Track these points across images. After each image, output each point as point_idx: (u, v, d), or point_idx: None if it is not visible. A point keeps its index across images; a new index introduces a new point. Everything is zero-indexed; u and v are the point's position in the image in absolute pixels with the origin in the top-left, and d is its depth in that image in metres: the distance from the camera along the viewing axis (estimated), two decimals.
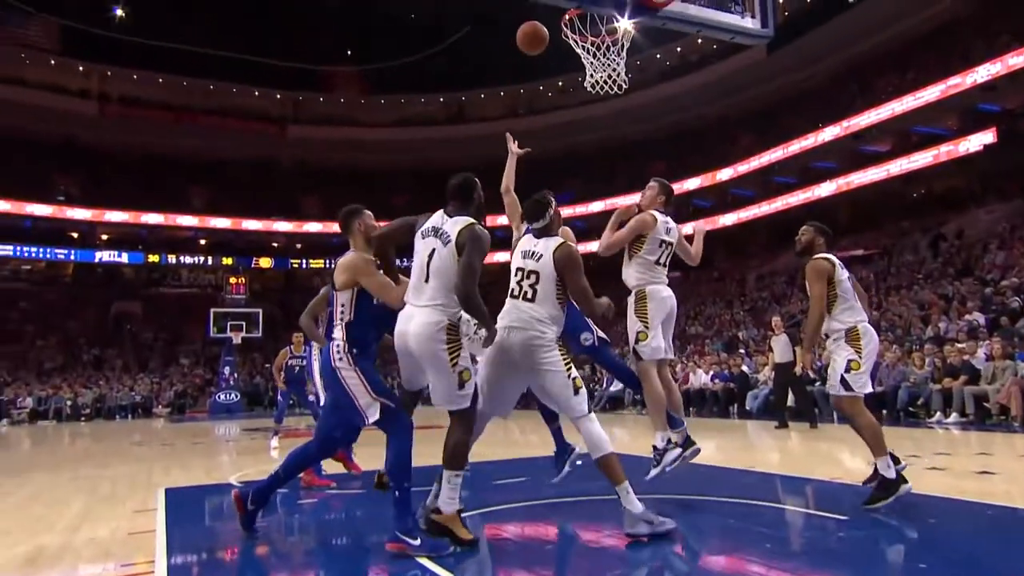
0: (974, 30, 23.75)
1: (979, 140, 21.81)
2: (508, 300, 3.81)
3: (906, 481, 4.12)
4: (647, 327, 4.41)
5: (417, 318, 3.42)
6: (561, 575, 3.54)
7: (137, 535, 4.24)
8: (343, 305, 3.67)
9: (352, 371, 3.59)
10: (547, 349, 3.60)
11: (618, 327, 5.50)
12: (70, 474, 7.83)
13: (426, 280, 3.46)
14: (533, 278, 3.73)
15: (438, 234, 3.51)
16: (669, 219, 4.69)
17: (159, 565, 3.49)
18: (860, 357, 4.34)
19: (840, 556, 3.46)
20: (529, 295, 3.71)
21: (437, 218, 3.58)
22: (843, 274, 4.59)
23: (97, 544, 4.06)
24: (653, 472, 4.44)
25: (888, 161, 24.87)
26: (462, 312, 3.46)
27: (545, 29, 4.70)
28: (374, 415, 3.57)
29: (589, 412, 3.64)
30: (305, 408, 10.78)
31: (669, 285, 4.68)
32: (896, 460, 4.29)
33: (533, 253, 3.81)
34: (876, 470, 4.33)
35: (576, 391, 3.57)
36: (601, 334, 4.67)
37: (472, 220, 3.54)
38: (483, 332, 3.52)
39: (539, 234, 3.89)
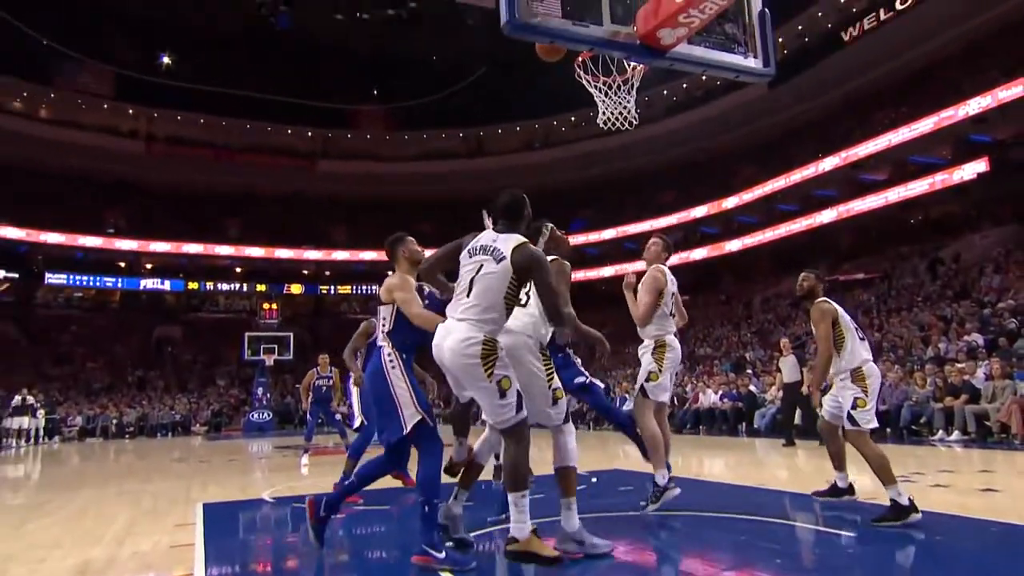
0: (964, 66, 23.72)
1: (972, 169, 21.70)
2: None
3: (918, 511, 4.08)
4: (660, 370, 4.62)
5: (453, 333, 3.26)
6: None
7: (177, 548, 4.25)
8: (384, 318, 3.79)
9: (402, 376, 3.58)
10: (532, 353, 3.63)
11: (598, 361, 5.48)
12: (116, 489, 7.88)
13: (468, 294, 3.28)
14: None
15: (489, 251, 3.32)
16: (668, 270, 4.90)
17: None
18: (866, 395, 4.51)
19: (849, 573, 3.39)
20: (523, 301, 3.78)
21: (487, 236, 3.42)
22: (846, 317, 4.75)
23: (140, 557, 4.07)
24: (651, 507, 4.46)
25: (886, 189, 24.76)
26: (499, 330, 3.32)
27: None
28: (412, 422, 3.51)
29: (567, 422, 3.61)
30: (332, 427, 10.79)
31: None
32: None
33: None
34: (835, 484, 4.89)
35: (555, 401, 3.50)
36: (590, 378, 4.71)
37: (524, 239, 3.37)
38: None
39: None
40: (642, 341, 4.85)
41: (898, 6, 25.30)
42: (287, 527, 5.39)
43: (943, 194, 23.17)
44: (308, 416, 10.50)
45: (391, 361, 3.63)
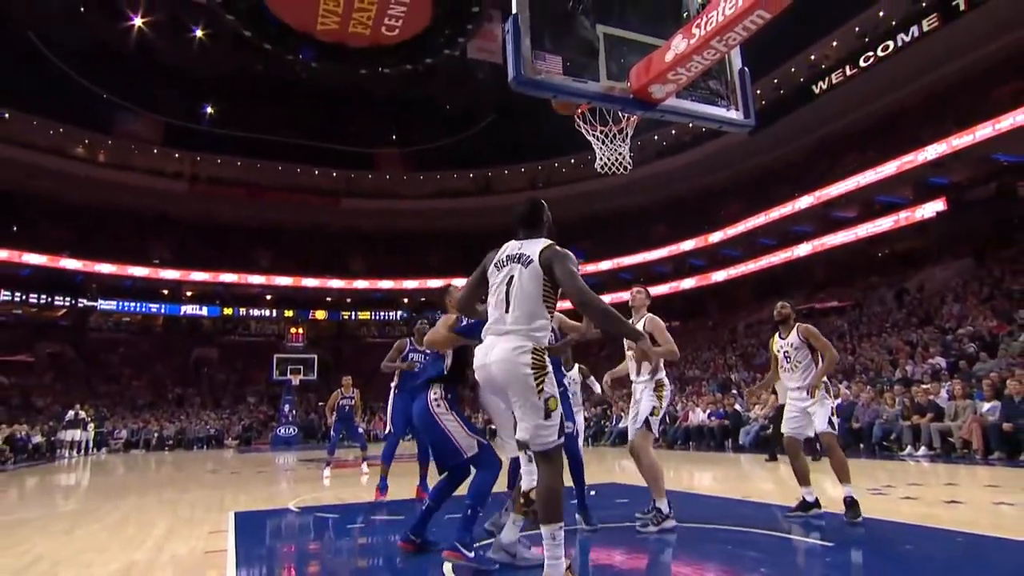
0: (923, 116, 23.96)
1: (932, 208, 21.85)
2: None
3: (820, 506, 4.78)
4: (660, 407, 4.68)
5: (499, 345, 2.84)
6: None
7: (211, 554, 4.21)
8: (444, 358, 3.78)
9: (448, 412, 3.64)
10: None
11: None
12: (156, 498, 7.83)
13: (507, 310, 2.87)
14: None
15: (517, 259, 2.94)
16: None
17: None
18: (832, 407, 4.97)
19: None
20: None
21: (511, 247, 3.04)
22: None
23: (178, 562, 4.04)
24: (652, 529, 4.38)
25: (856, 225, 24.87)
26: (547, 338, 2.92)
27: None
28: (472, 451, 3.57)
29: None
30: (354, 441, 10.72)
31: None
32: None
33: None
34: (803, 499, 4.88)
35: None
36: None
37: (550, 241, 3.03)
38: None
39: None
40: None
41: (862, 64, 25.64)
42: (311, 534, 5.34)
43: (906, 230, 23.24)
44: (332, 432, 10.47)
45: (435, 402, 3.67)
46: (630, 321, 4.44)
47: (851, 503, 4.53)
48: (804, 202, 26.68)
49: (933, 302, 18.68)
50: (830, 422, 4.84)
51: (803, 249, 26.79)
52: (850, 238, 24.89)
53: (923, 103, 24.65)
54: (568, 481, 3.45)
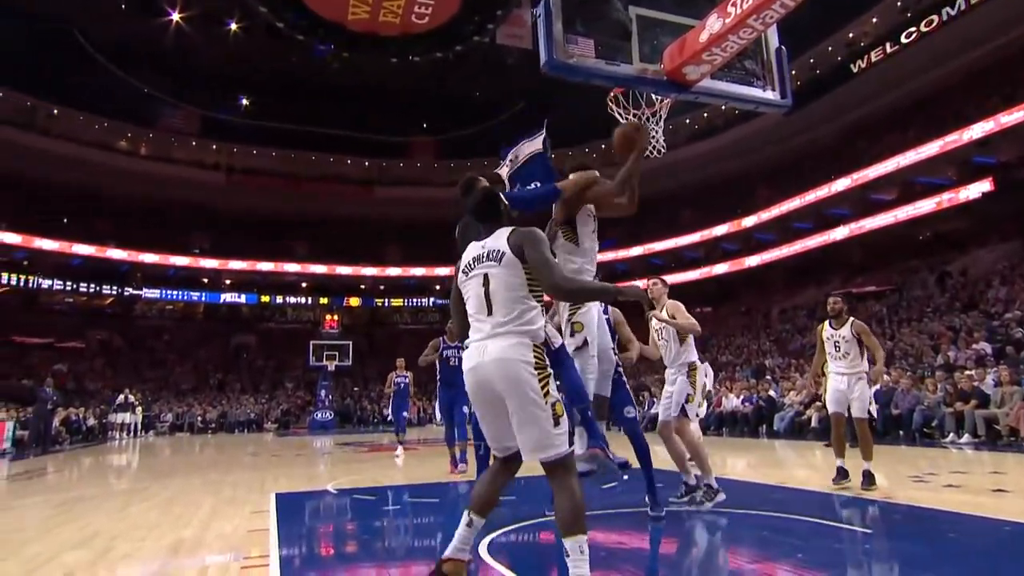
0: (967, 93, 22.96)
1: (978, 188, 20.99)
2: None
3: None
4: (694, 392, 4.78)
5: (491, 346, 2.51)
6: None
7: (254, 532, 4.33)
8: None
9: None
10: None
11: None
12: (201, 479, 8.09)
13: (489, 312, 2.56)
14: None
15: (486, 257, 2.64)
16: None
17: (272, 558, 3.56)
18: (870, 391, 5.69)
19: (867, 568, 3.27)
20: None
21: (474, 249, 2.73)
22: None
23: (223, 539, 4.17)
24: (708, 505, 4.51)
25: (895, 207, 24.08)
26: (542, 333, 2.60)
27: (632, 130, 3.95)
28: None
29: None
30: (396, 423, 10.89)
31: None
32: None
33: None
34: (840, 467, 5.47)
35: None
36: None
37: (512, 226, 2.72)
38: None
39: None
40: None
41: (903, 40, 24.64)
42: (349, 515, 5.45)
43: (949, 212, 22.41)
44: (392, 414, 10.80)
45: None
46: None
47: (868, 475, 5.24)
48: (841, 184, 25.93)
49: (978, 286, 18.03)
50: (868, 411, 5.58)
51: (840, 232, 26.08)
52: (889, 221, 24.12)
53: (968, 79, 23.60)
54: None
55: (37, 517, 5.30)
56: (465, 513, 2.57)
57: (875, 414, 5.94)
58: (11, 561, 3.67)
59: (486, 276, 2.59)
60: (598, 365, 3.66)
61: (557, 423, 2.43)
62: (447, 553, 2.50)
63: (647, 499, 4.36)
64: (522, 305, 2.53)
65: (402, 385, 10.22)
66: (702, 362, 5.98)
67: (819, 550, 3.54)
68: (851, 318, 5.64)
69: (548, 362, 2.51)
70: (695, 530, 4.11)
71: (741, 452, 9.76)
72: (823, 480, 6.24)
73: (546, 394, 2.43)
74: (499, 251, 2.59)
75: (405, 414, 10.81)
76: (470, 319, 2.65)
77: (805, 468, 7.64)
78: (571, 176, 3.86)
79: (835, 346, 5.59)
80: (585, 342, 3.59)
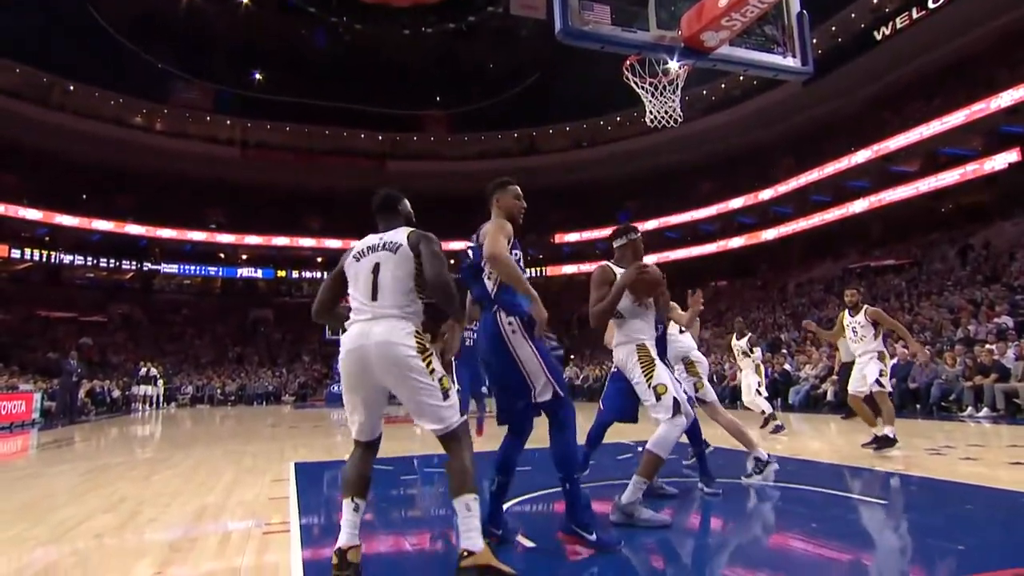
0: (997, 59, 22.23)
1: (1004, 159, 20.46)
2: None
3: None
4: (702, 379, 4.95)
5: (376, 328, 2.59)
6: (633, 549, 3.47)
7: (275, 500, 4.44)
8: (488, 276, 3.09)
9: (526, 342, 2.93)
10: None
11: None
12: (222, 449, 8.27)
13: (374, 297, 2.66)
14: None
15: (382, 247, 2.74)
16: None
17: (293, 525, 3.64)
18: (887, 368, 6.21)
19: (882, 538, 3.28)
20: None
21: (371, 238, 2.83)
22: None
23: (245, 506, 4.28)
24: (757, 478, 4.53)
25: (917, 180, 23.60)
26: (419, 324, 2.70)
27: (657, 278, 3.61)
28: (544, 396, 2.91)
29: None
30: None
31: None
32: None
33: None
34: (876, 436, 5.95)
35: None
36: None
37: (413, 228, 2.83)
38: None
39: None
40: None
41: (931, 4, 23.86)
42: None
43: (974, 184, 21.94)
44: None
45: (511, 326, 2.93)
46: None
47: (886, 438, 5.80)
48: (861, 156, 25.43)
49: (1001, 259, 17.70)
50: (878, 381, 6.05)
51: (859, 205, 25.64)
52: (910, 193, 23.66)
53: (998, 44, 22.83)
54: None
55: (66, 484, 5.47)
56: (348, 500, 2.61)
57: (888, 386, 6.19)
58: (42, 526, 3.79)
59: (377, 264, 2.69)
60: None
61: (446, 396, 2.57)
62: (344, 543, 2.54)
63: (700, 477, 4.28)
64: (407, 296, 2.65)
65: None
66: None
67: (832, 520, 3.56)
68: (865, 305, 6.35)
69: (428, 343, 2.62)
70: (707, 503, 4.13)
71: (754, 425, 9.77)
72: (837, 453, 6.25)
73: (431, 371, 2.56)
74: (396, 243, 2.70)
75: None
76: (352, 301, 2.75)
77: (819, 440, 7.64)
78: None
79: (853, 331, 6.35)
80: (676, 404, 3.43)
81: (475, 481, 2.53)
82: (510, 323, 2.94)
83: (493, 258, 2.87)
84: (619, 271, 3.56)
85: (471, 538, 2.42)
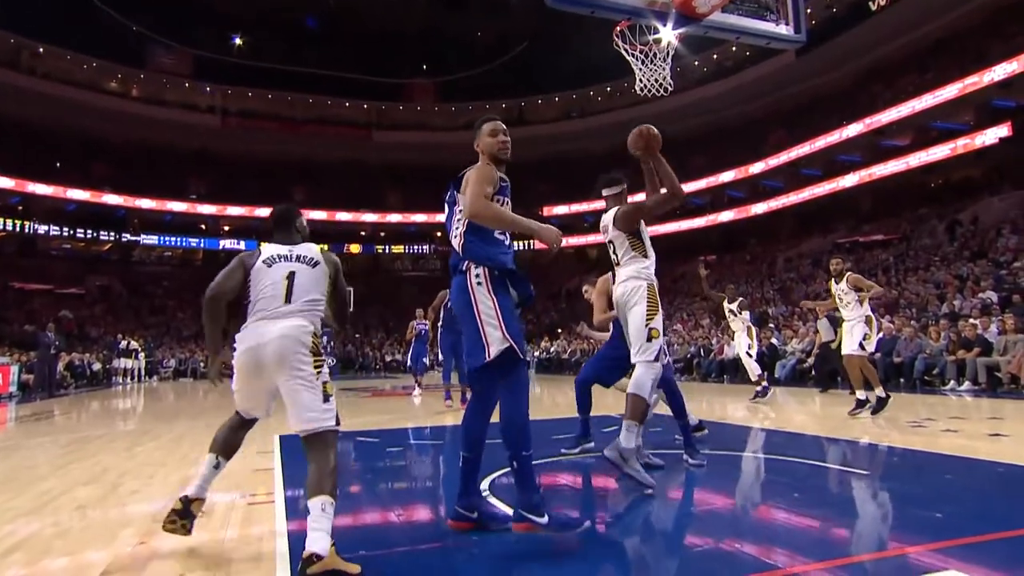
0: (990, 32, 22.20)
1: (995, 133, 20.55)
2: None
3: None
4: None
5: (279, 325, 2.75)
6: (619, 516, 3.54)
7: (259, 472, 4.46)
8: (457, 222, 3.04)
9: (489, 295, 2.78)
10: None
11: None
12: (205, 422, 8.26)
13: (287, 300, 2.80)
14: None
15: (296, 259, 2.90)
16: None
17: (277, 496, 3.67)
18: (872, 332, 6.83)
19: (862, 506, 3.37)
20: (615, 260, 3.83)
21: (279, 248, 2.97)
22: None
23: (229, 477, 4.28)
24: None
25: (908, 154, 23.69)
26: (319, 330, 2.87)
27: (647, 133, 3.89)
28: (496, 349, 2.71)
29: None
30: (414, 367, 11.25)
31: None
32: None
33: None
34: (858, 400, 6.71)
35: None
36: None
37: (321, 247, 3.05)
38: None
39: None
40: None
41: None
42: (351, 457, 5.59)
43: (964, 158, 22.06)
44: (411, 360, 11.40)
45: (477, 278, 2.79)
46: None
47: (880, 400, 6.45)
48: (853, 130, 25.43)
49: (988, 235, 17.92)
50: (861, 344, 6.69)
51: (849, 180, 25.75)
52: (901, 168, 23.77)
53: (991, 19, 22.81)
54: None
55: (47, 456, 5.45)
56: (212, 456, 2.91)
57: (868, 350, 6.92)
58: (25, 496, 3.79)
59: (293, 272, 2.86)
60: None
61: (326, 400, 2.71)
62: (193, 492, 2.77)
63: (684, 449, 4.30)
64: (315, 305, 2.86)
65: (422, 332, 10.69)
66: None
67: (815, 490, 3.64)
68: (848, 273, 6.90)
69: (322, 351, 2.79)
70: (690, 473, 4.21)
71: (742, 398, 9.93)
72: (821, 425, 6.37)
73: (318, 374, 2.72)
74: (313, 259, 2.93)
75: (425, 359, 11.44)
76: (260, 300, 2.86)
77: (803, 414, 7.78)
78: None
79: (839, 299, 6.93)
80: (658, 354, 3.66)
81: (334, 487, 2.60)
82: (477, 275, 2.80)
83: (475, 217, 2.79)
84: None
85: (318, 540, 2.38)
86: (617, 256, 3.87)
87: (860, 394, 6.69)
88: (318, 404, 2.68)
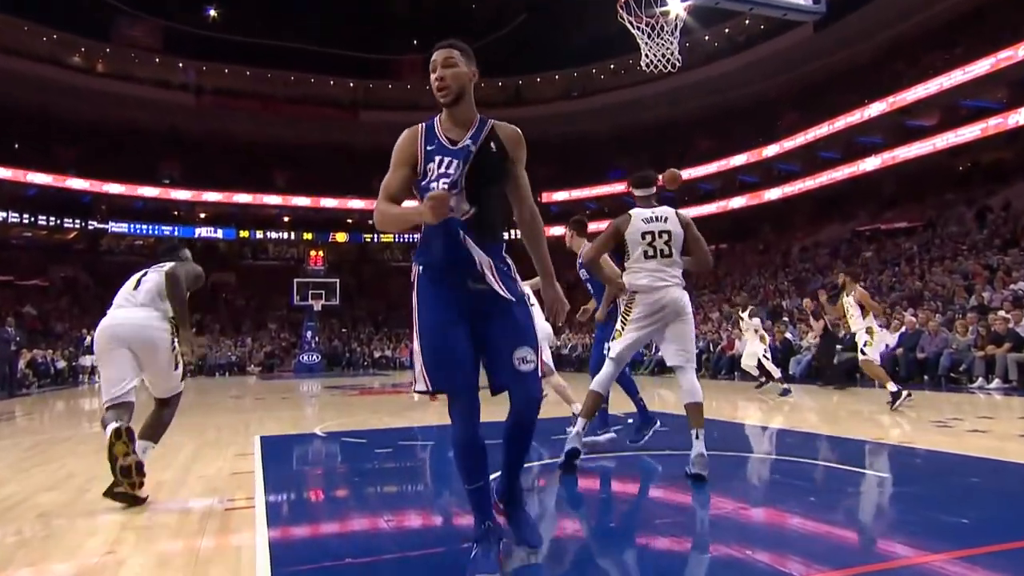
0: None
1: None
2: (650, 261, 3.95)
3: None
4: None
5: (137, 314, 3.84)
6: (622, 521, 3.54)
7: (239, 475, 4.46)
8: None
9: (416, 300, 2.49)
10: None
11: None
12: (180, 421, 8.15)
13: (135, 288, 3.95)
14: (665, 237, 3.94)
15: (155, 269, 4.08)
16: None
17: (258, 501, 3.66)
18: (872, 340, 7.92)
19: (885, 511, 3.38)
20: (666, 252, 3.94)
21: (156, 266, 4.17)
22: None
23: (206, 481, 4.29)
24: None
25: (935, 135, 23.65)
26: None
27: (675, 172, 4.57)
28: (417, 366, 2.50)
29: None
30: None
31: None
32: None
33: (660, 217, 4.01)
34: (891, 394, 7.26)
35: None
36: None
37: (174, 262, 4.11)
38: None
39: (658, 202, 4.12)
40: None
41: None
42: (337, 459, 5.60)
43: (995, 139, 22.03)
44: (411, 357, 11.24)
45: (413, 281, 2.50)
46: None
47: (895, 395, 7.13)
48: (875, 109, 25.41)
49: (1021, 221, 17.94)
50: (861, 351, 7.93)
51: (871, 163, 25.75)
52: (927, 149, 23.77)
53: None
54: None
55: (8, 460, 5.44)
56: (139, 442, 3.77)
57: (871, 355, 7.95)
58: None
59: (147, 273, 4.04)
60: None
61: (178, 367, 4.00)
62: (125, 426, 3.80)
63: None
64: (160, 299, 3.91)
65: None
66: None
67: (830, 493, 3.65)
68: (854, 286, 8.06)
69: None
70: (710, 475, 4.20)
71: (753, 396, 9.95)
72: (837, 426, 6.39)
73: (174, 348, 3.92)
74: (163, 269, 4.01)
75: None
76: (124, 291, 4.00)
77: (818, 413, 7.81)
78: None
79: (847, 310, 8.08)
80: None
81: (159, 436, 4.06)
82: (413, 277, 2.51)
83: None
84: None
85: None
86: (671, 250, 3.93)
87: (891, 386, 7.34)
88: (174, 374, 4.01)
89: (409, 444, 6.02)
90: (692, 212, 33.44)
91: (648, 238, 3.92)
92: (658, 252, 3.91)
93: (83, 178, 32.10)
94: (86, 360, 20.42)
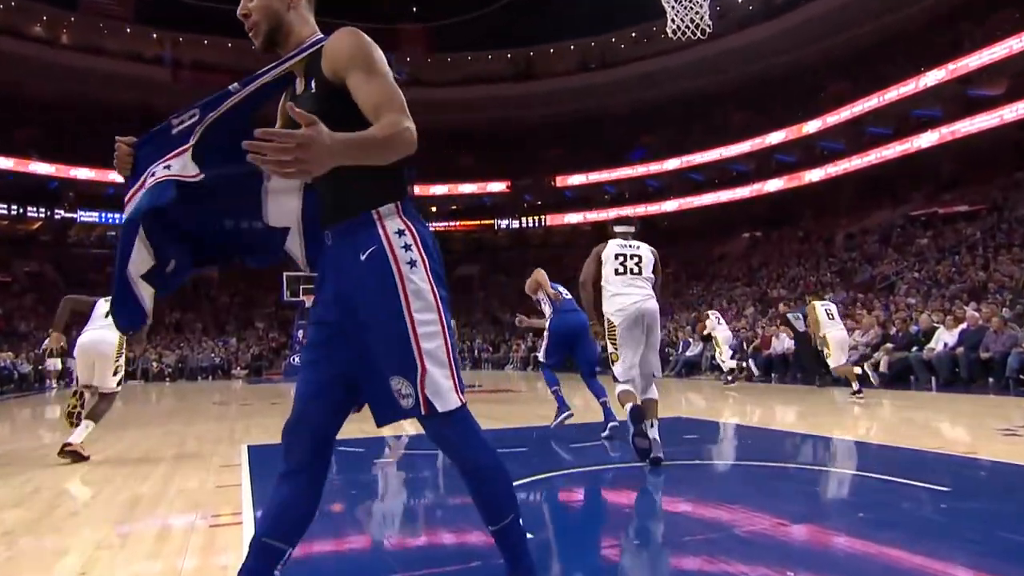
0: None
1: None
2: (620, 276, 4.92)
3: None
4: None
5: (99, 331, 6.10)
6: (646, 537, 3.54)
7: (224, 488, 4.48)
8: None
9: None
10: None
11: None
12: (160, 430, 8.34)
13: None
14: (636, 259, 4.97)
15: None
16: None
17: (246, 517, 3.67)
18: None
19: (943, 529, 3.35)
20: (636, 271, 4.91)
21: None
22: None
23: (187, 495, 4.32)
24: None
25: (1002, 106, 23.34)
26: None
27: None
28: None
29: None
30: None
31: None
32: None
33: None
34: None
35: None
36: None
37: None
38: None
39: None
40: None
41: None
42: (332, 470, 5.62)
43: None
44: None
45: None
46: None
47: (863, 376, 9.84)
48: (932, 78, 25.17)
49: None
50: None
51: (927, 139, 25.53)
52: (992, 123, 23.49)
53: None
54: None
55: None
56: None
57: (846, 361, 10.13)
58: None
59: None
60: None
61: (116, 374, 5.99)
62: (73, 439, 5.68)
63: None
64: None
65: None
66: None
67: (884, 508, 3.62)
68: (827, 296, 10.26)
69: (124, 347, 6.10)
70: (733, 486, 4.21)
71: (792, 400, 9.90)
72: (890, 434, 6.35)
73: (117, 360, 6.05)
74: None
75: None
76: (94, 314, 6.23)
77: (869, 419, 7.76)
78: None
79: (827, 314, 10.06)
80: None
81: (100, 418, 5.91)
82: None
83: None
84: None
85: (78, 435, 5.73)
86: (640, 269, 4.93)
87: (855, 385, 9.43)
88: (113, 379, 6.06)
89: (410, 453, 6.04)
90: (723, 196, 33.55)
91: (620, 259, 4.96)
92: (628, 270, 4.91)
93: (48, 162, 32.35)
94: (53, 363, 20.55)
